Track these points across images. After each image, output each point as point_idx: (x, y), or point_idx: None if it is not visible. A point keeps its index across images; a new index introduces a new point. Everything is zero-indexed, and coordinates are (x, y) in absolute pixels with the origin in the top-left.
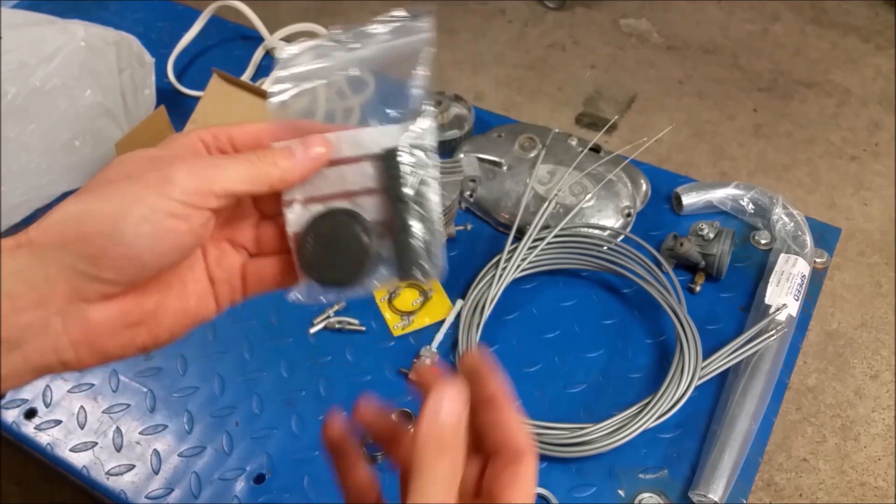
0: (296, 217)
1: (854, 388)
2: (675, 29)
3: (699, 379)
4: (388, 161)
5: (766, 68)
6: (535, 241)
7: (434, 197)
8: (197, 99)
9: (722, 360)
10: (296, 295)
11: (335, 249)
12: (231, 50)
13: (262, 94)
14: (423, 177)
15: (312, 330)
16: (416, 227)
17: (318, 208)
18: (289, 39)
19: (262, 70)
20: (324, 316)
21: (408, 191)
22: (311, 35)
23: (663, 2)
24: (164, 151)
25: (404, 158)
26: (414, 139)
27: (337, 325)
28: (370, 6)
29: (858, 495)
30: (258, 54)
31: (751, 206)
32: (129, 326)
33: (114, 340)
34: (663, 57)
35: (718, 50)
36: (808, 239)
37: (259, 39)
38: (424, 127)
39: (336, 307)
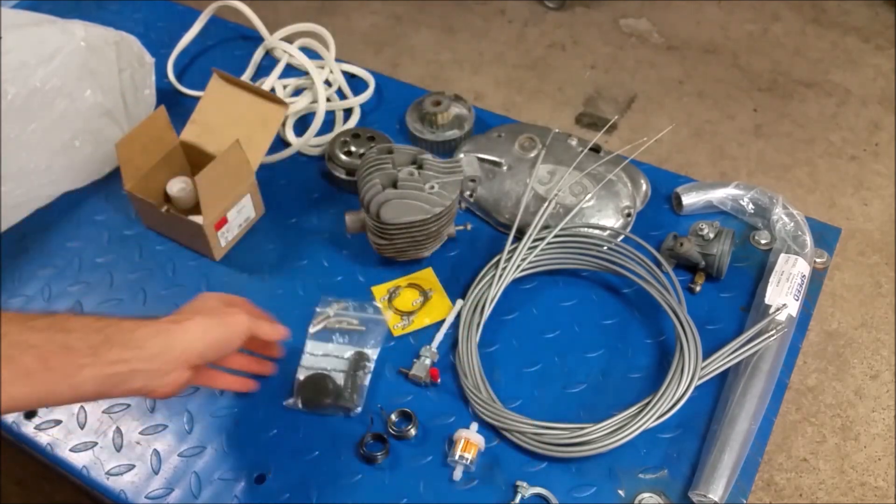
0: (302, 373)
1: (854, 388)
2: (675, 29)
3: (699, 379)
4: (352, 357)
5: (766, 68)
6: (535, 241)
7: (366, 380)
8: (197, 99)
9: (722, 361)
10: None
11: (316, 390)
12: (231, 50)
13: (262, 95)
14: (364, 373)
15: (312, 330)
16: (352, 388)
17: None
18: (289, 39)
19: (263, 70)
20: (323, 316)
21: (356, 373)
22: (311, 35)
23: (663, 2)
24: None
25: (360, 361)
26: (368, 358)
27: (337, 326)
28: (370, 5)
29: (858, 495)
30: (258, 54)
31: (751, 206)
32: (189, 382)
33: (183, 387)
34: (663, 57)
35: (718, 50)
36: (808, 239)
37: (259, 39)
38: (372, 354)
39: (336, 307)
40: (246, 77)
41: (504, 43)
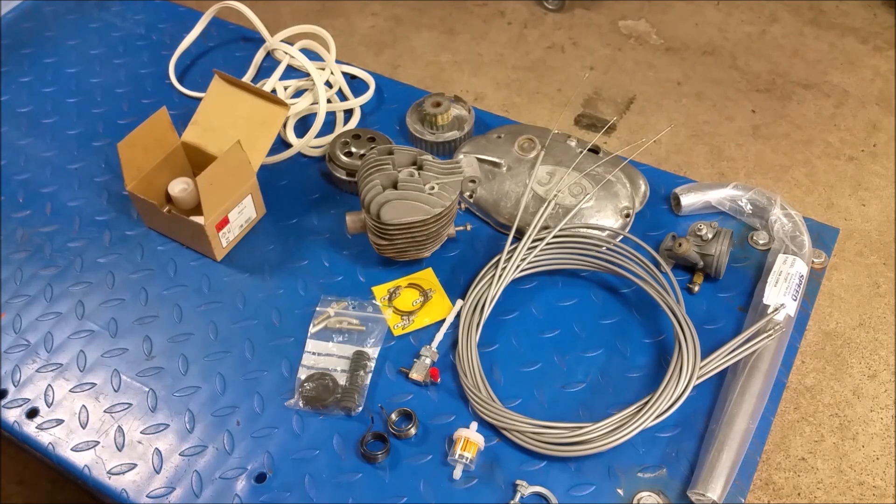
0: (304, 372)
1: (852, 387)
2: (674, 30)
3: (698, 378)
4: (353, 356)
5: (765, 69)
6: (534, 241)
7: (366, 379)
8: (198, 100)
9: (720, 360)
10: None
11: (317, 389)
12: (232, 51)
13: (263, 96)
14: (365, 372)
15: (313, 330)
16: (353, 387)
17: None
18: (290, 41)
19: (264, 71)
20: (324, 316)
21: (357, 372)
22: (312, 36)
23: (662, 3)
24: None
25: (361, 360)
26: (369, 357)
27: (337, 326)
28: (371, 7)
29: (857, 494)
30: (259, 56)
31: (749, 206)
32: None
33: None
34: (662, 58)
35: (717, 51)
36: (806, 239)
37: (260, 41)
38: (373, 353)
39: (336, 306)
40: (247, 78)
41: (504, 44)
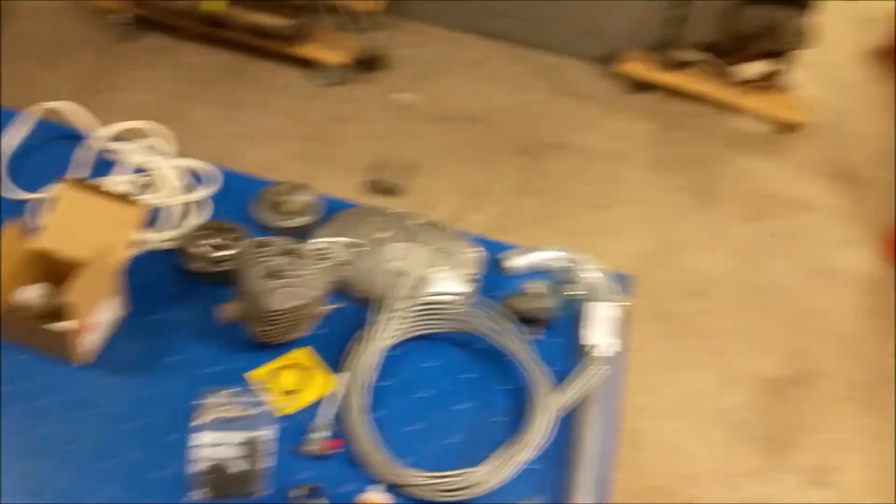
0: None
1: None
2: (442, 101)
3: (556, 415)
4: (246, 442)
5: (523, 133)
6: (397, 311)
7: (264, 463)
8: (38, 202)
9: (569, 396)
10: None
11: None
12: (61, 149)
13: (116, 198)
14: (262, 456)
15: (202, 422)
16: (252, 473)
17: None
18: (120, 137)
19: (100, 168)
20: (211, 407)
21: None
22: (144, 132)
23: (430, 78)
24: None
25: (254, 445)
26: (263, 440)
27: (224, 415)
28: (141, 84)
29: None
30: (87, 152)
31: (560, 265)
32: None
33: None
34: (434, 127)
35: (481, 119)
36: (610, 288)
37: (82, 137)
38: (270, 435)
39: (221, 396)
40: (81, 173)
41: (289, 116)
